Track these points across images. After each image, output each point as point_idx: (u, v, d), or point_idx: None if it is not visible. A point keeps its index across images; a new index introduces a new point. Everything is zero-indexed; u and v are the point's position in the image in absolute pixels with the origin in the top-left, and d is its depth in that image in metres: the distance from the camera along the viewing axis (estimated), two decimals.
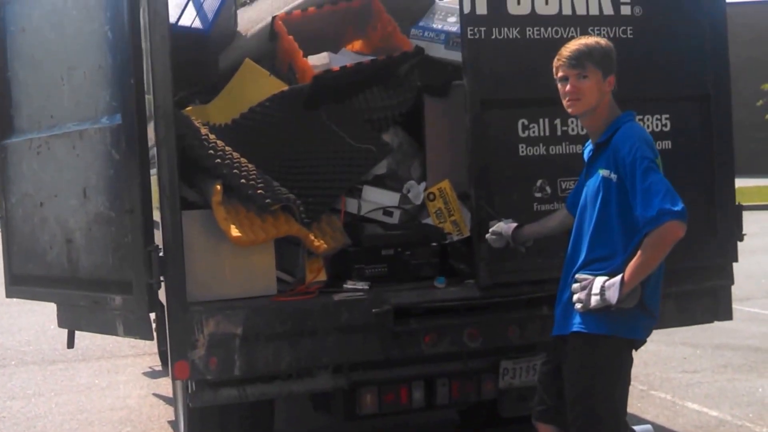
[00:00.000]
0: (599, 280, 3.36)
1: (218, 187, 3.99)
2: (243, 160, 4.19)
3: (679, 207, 3.20)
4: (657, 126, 4.46)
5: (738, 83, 6.86)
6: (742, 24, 30.14)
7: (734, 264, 4.74)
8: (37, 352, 8.33)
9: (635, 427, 3.94)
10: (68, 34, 4.42)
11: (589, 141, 3.65)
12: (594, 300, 3.35)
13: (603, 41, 3.53)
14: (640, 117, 4.19)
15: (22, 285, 5.04)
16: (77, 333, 5.41)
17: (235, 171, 4.07)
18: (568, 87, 3.49)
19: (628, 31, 4.38)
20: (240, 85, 4.80)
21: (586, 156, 3.68)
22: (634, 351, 3.55)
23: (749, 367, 7.11)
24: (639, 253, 3.28)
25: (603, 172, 3.44)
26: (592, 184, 3.53)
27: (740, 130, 7.06)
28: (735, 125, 4.72)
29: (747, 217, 4.74)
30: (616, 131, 3.45)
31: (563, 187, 4.30)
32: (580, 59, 3.45)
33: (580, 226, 3.58)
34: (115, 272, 4.23)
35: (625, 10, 4.39)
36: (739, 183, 5.06)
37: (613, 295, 3.30)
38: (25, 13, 4.71)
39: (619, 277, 3.31)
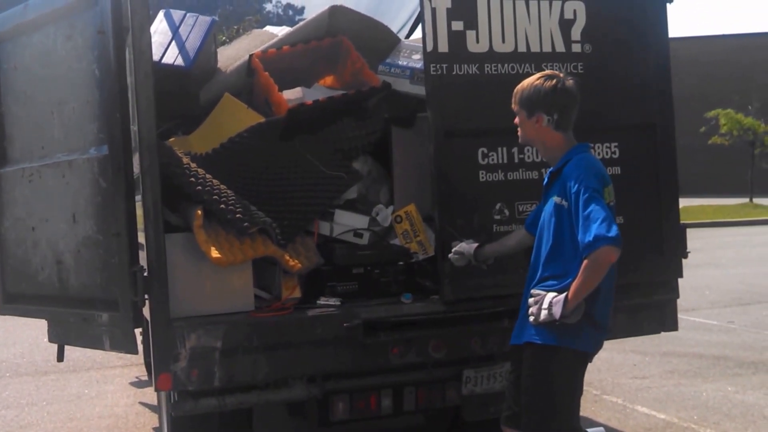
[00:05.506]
0: (549, 296, 3.42)
1: (199, 212, 4.00)
2: (222, 186, 4.21)
3: (613, 233, 3.25)
4: (607, 153, 4.51)
5: (683, 111, 6.96)
6: (687, 56, 30.62)
7: (680, 278, 4.78)
8: (31, 364, 8.25)
9: (588, 430, 3.96)
10: (58, 71, 4.40)
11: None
12: (543, 314, 3.42)
13: (537, 81, 3.54)
14: (591, 145, 4.24)
15: (15, 303, 4.99)
16: (67, 346, 5.37)
17: (215, 197, 4.08)
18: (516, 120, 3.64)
19: (579, 67, 4.43)
20: (220, 117, 4.82)
21: (544, 182, 3.73)
22: (588, 362, 3.60)
23: (694, 373, 7.19)
24: (579, 274, 3.33)
25: (556, 199, 3.51)
26: (547, 209, 3.59)
27: (685, 154, 7.15)
28: (679, 150, 4.78)
29: (691, 234, 4.80)
30: (567, 162, 3.52)
31: (521, 209, 4.33)
32: (513, 98, 3.62)
33: (538, 247, 3.63)
34: (102, 291, 4.21)
35: (576, 47, 4.45)
36: (684, 203, 5.13)
37: (557, 311, 3.37)
38: (18, 52, 4.68)
39: (564, 295, 3.37)
